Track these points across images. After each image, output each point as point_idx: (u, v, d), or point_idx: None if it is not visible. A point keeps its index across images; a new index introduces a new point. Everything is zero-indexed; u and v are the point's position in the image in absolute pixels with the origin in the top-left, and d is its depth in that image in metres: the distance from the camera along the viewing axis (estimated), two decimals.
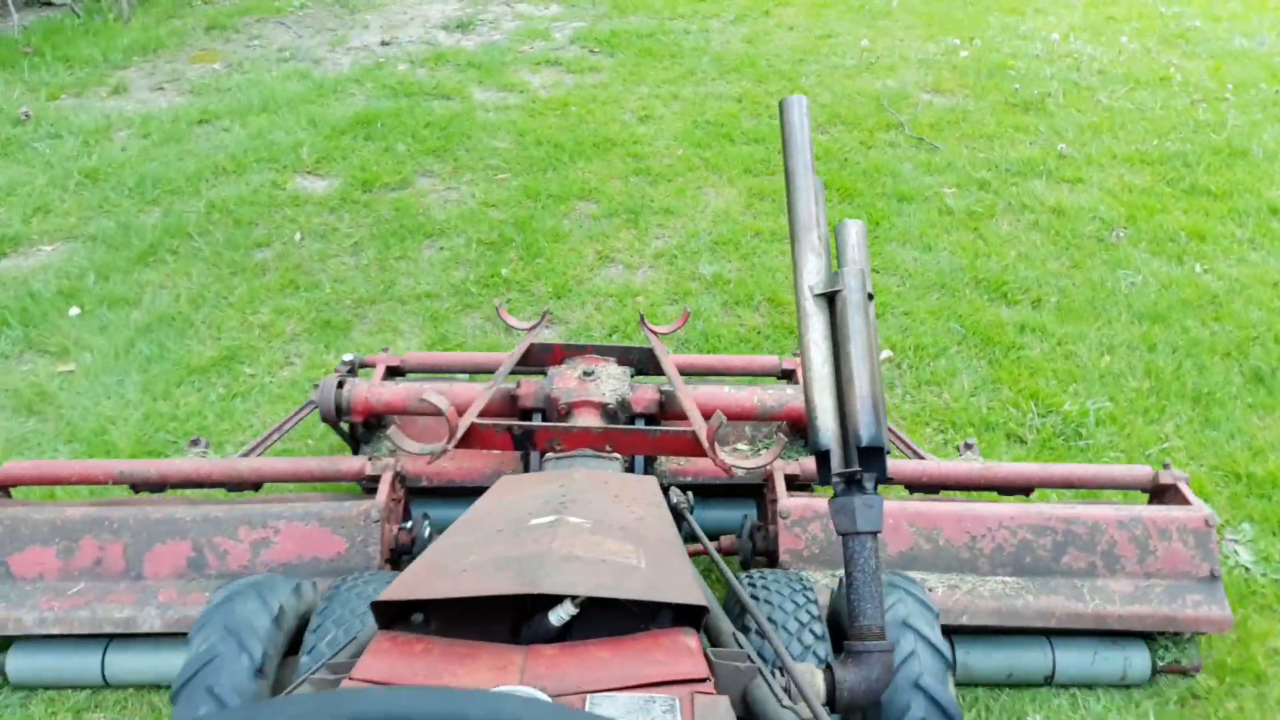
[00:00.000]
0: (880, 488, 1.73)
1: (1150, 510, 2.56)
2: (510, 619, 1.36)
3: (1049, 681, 2.50)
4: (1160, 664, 2.51)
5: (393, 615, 1.37)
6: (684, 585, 1.39)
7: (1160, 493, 2.70)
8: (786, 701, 1.34)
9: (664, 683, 1.16)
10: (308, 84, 6.62)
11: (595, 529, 1.57)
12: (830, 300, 1.79)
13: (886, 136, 5.96)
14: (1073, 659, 2.48)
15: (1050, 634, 2.50)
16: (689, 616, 1.37)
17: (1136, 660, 2.49)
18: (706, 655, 1.33)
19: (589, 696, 1.13)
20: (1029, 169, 5.53)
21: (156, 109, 6.27)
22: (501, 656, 1.25)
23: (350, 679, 1.23)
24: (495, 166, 5.50)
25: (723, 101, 6.44)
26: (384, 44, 7.49)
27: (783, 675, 1.55)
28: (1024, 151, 5.74)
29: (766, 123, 6.10)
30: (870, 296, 1.77)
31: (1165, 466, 2.69)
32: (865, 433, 1.69)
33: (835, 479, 1.72)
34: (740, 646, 1.51)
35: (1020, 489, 2.75)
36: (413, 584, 1.41)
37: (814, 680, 1.65)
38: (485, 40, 7.65)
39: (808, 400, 1.76)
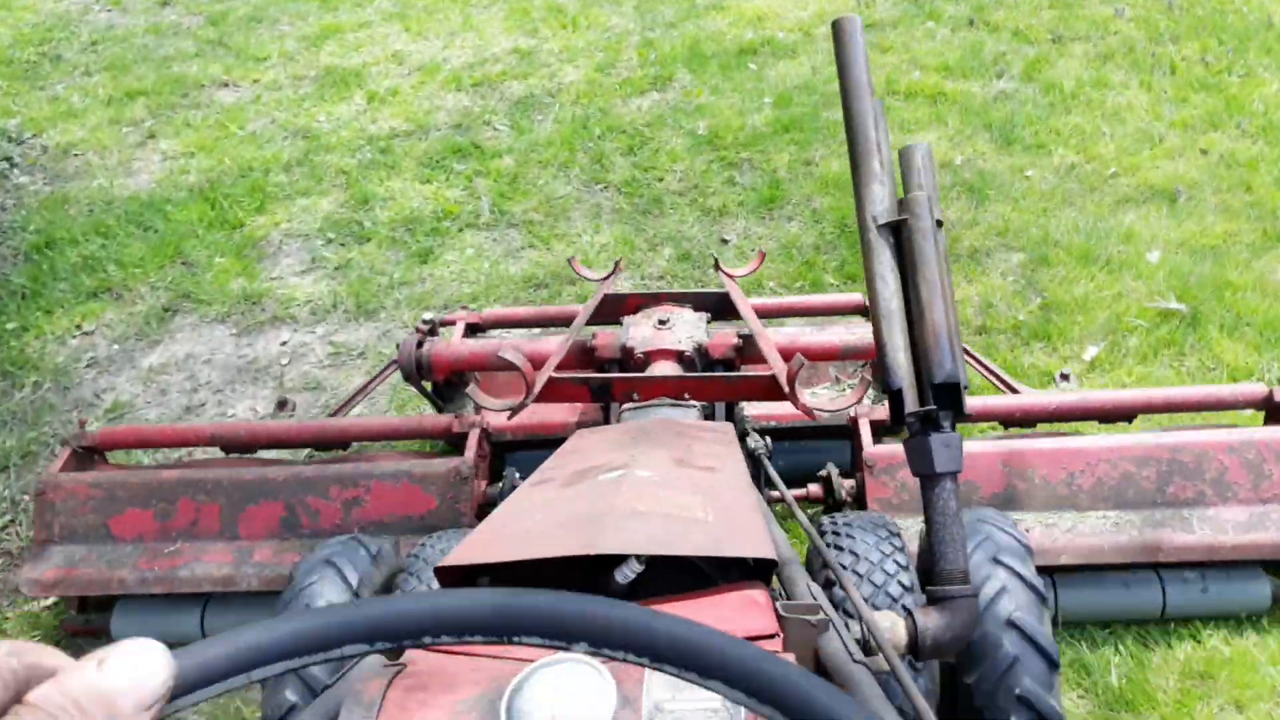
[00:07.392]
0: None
1: (1264, 432, 2.40)
2: (577, 580, 1.33)
3: (1161, 618, 2.38)
4: None
5: (458, 581, 1.36)
6: (752, 537, 1.35)
7: (1277, 411, 2.52)
8: (858, 656, 1.28)
9: None
10: None
11: (663, 482, 1.53)
12: (896, 230, 1.69)
13: None
14: (1183, 592, 2.35)
15: (1159, 568, 2.37)
16: (760, 570, 1.33)
17: (1254, 589, 2.35)
18: (776, 609, 1.29)
19: None
20: None
21: None
22: None
23: None
24: None
25: None
26: None
27: (861, 626, 1.49)
28: None
29: None
30: (939, 223, 1.67)
31: None
32: (939, 369, 1.60)
33: (910, 418, 1.63)
34: (814, 598, 1.45)
35: (1122, 416, 2.60)
36: (476, 549, 1.40)
37: (894, 629, 1.58)
38: None
39: (877, 338, 1.67)
